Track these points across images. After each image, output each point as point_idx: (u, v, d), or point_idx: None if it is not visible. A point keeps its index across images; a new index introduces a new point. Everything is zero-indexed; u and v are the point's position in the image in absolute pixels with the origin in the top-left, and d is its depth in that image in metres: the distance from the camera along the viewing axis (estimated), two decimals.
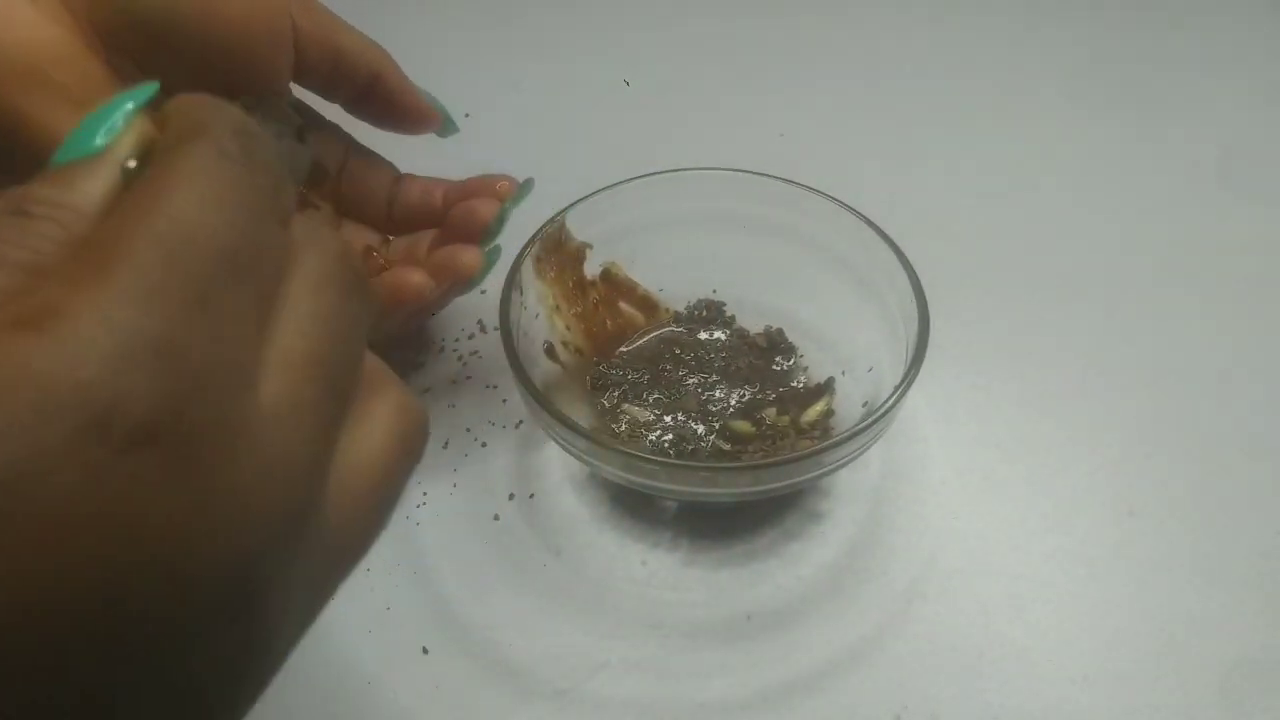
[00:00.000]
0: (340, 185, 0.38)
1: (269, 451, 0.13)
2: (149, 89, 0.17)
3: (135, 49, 0.30)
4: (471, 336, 0.44)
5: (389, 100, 0.36)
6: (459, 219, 0.36)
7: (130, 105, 0.16)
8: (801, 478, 0.32)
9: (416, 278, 0.34)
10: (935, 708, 0.32)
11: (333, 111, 0.38)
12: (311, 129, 0.36)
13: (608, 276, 0.42)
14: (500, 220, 0.36)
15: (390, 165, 0.40)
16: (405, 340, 0.44)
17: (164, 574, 0.12)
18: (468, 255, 0.35)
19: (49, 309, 0.12)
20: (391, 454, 0.17)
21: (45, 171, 0.15)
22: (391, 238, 0.39)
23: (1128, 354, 0.44)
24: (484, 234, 0.36)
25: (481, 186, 0.37)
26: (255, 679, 0.15)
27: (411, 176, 0.39)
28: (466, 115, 0.52)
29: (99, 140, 0.15)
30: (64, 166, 0.15)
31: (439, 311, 0.39)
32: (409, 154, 0.40)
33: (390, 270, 0.35)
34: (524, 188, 0.37)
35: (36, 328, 0.12)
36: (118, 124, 0.16)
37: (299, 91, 0.36)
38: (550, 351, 0.39)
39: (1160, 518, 0.37)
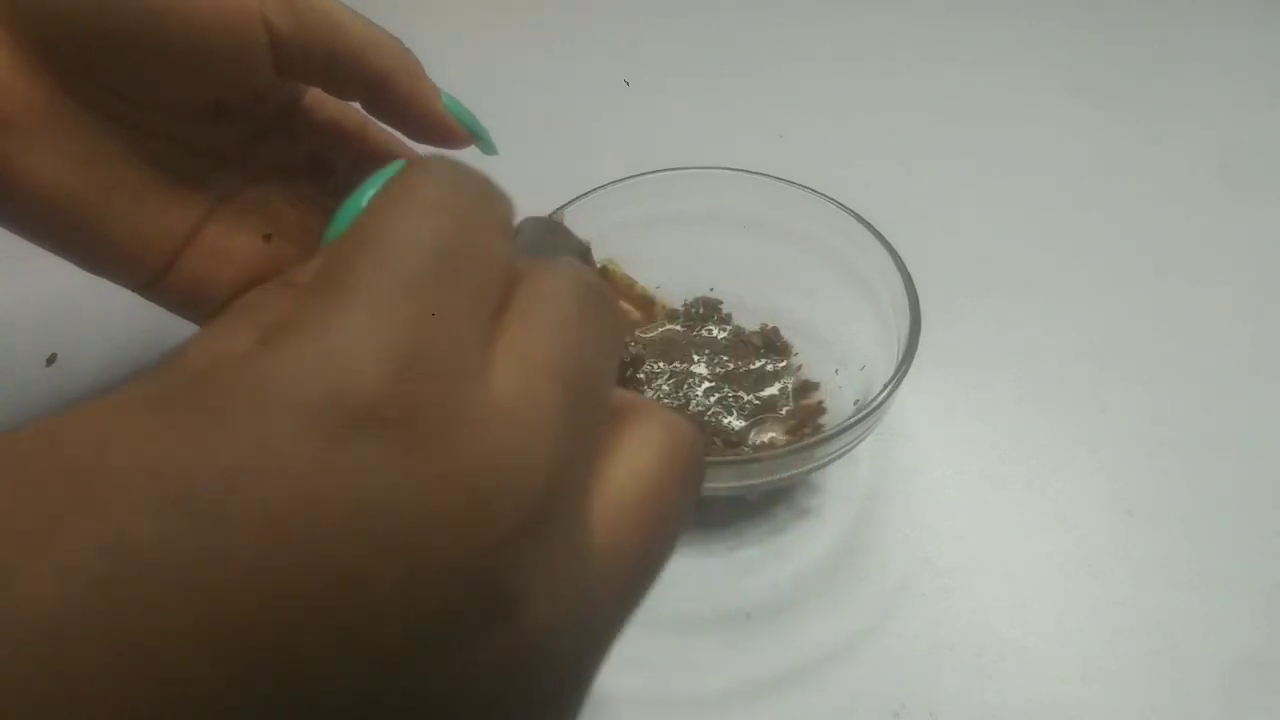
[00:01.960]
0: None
1: (500, 442, 0.13)
2: (401, 164, 0.18)
3: (81, 62, 0.27)
4: None
5: (400, 108, 0.32)
6: None
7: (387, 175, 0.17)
8: (790, 472, 0.32)
9: None
10: (933, 706, 0.32)
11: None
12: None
13: (606, 274, 0.42)
14: None
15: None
16: None
17: (398, 563, 0.12)
18: None
19: (279, 325, 0.13)
20: (659, 470, 0.16)
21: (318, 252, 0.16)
22: None
23: (1127, 353, 0.44)
24: None
25: None
26: (541, 699, 0.14)
27: None
28: None
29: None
30: (328, 245, 0.16)
31: None
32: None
33: None
34: None
35: (266, 342, 0.12)
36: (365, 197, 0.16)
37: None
38: None
39: (1159, 517, 0.37)
